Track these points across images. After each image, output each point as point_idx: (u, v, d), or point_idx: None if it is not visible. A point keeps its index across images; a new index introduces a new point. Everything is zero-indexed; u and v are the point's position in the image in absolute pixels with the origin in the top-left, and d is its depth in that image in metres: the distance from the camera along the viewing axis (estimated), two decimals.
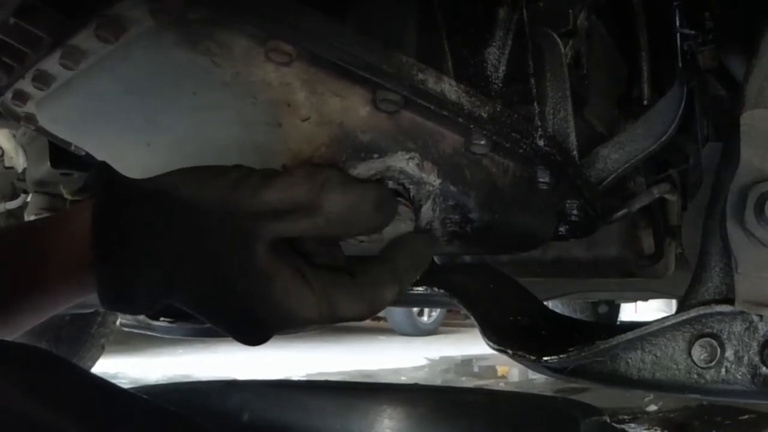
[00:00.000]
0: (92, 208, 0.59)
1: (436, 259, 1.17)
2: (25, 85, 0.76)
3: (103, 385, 0.58)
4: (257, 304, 0.59)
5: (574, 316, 2.81)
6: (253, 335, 0.62)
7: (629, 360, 0.69)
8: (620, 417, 2.30)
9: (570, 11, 0.83)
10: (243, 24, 0.63)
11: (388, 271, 0.65)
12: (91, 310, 2.04)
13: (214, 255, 0.58)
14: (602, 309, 3.52)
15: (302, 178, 0.61)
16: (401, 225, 0.67)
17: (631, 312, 6.03)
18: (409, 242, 0.68)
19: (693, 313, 0.66)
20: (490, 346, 0.77)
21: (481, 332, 0.79)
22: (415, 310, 5.60)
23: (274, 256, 0.59)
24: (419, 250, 0.68)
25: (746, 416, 2.25)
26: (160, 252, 0.57)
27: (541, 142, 0.73)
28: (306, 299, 0.60)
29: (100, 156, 0.89)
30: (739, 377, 0.65)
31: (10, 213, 1.71)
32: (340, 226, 0.61)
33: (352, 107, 0.67)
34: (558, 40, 0.80)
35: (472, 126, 0.68)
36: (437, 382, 3.41)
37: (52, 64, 0.71)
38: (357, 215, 0.61)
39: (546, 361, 0.72)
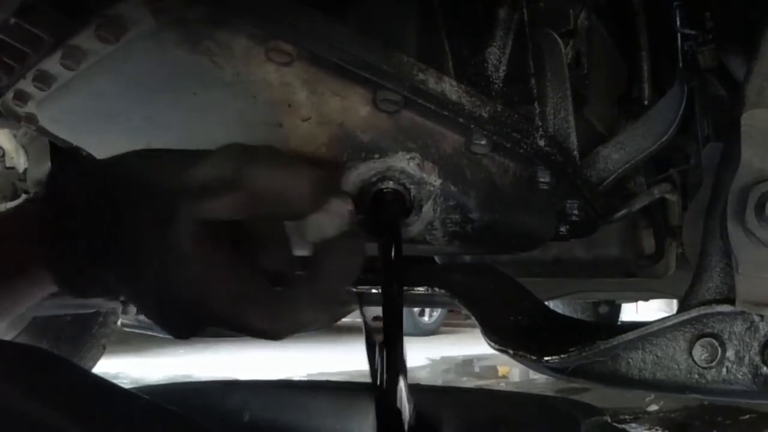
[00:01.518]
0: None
1: (436, 259, 1.18)
2: (26, 85, 0.76)
3: (104, 385, 0.58)
4: (178, 289, 0.55)
5: (574, 316, 2.81)
6: (176, 325, 0.58)
7: (630, 360, 0.69)
8: (621, 417, 2.30)
9: (570, 11, 0.83)
10: (243, 24, 0.63)
11: (310, 293, 0.59)
12: (92, 311, 2.04)
13: (142, 231, 0.54)
14: (603, 309, 3.52)
15: (229, 155, 0.58)
16: (337, 220, 0.60)
17: (631, 312, 6.02)
18: (340, 250, 0.61)
19: (694, 313, 0.66)
20: (491, 346, 0.77)
21: (481, 332, 0.79)
22: (416, 310, 5.60)
23: (198, 239, 0.54)
24: (349, 259, 0.62)
25: (747, 416, 2.25)
26: (99, 225, 0.54)
27: (541, 142, 0.73)
28: (222, 292, 0.55)
29: (100, 156, 0.89)
30: (740, 377, 0.65)
31: None
32: (266, 205, 0.56)
33: (353, 107, 0.67)
34: (558, 40, 0.80)
35: (472, 126, 0.68)
36: (438, 382, 3.41)
37: (52, 64, 0.71)
38: (286, 195, 0.57)
39: (547, 361, 0.71)
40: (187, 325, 0.57)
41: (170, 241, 0.53)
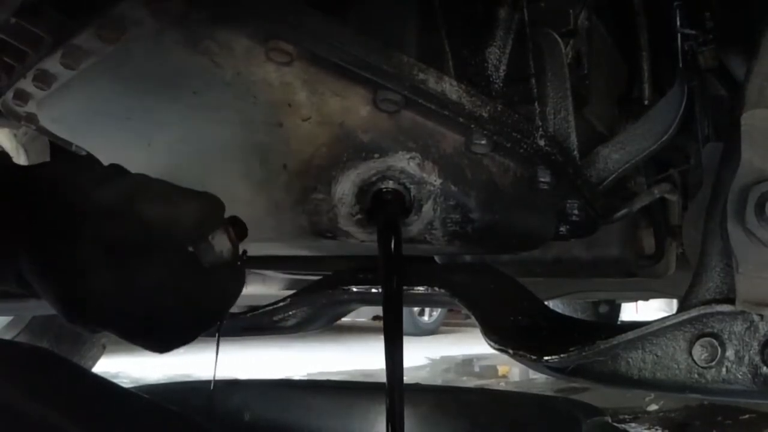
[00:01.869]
0: None
1: (436, 258, 1.18)
2: (26, 84, 0.76)
3: (104, 385, 0.58)
4: (80, 290, 0.59)
5: (574, 316, 2.81)
6: (79, 320, 0.61)
7: (630, 360, 0.69)
8: (621, 417, 2.30)
9: (570, 11, 0.83)
10: (243, 24, 0.63)
11: (189, 314, 0.63)
12: None
13: (51, 234, 0.59)
14: (603, 309, 3.52)
15: (125, 185, 0.61)
16: (219, 252, 0.63)
17: (631, 312, 6.02)
18: (220, 280, 0.65)
19: (694, 312, 0.66)
20: (491, 346, 0.77)
21: (481, 332, 0.79)
22: (416, 309, 5.60)
23: (97, 253, 0.58)
24: (228, 288, 0.66)
25: (747, 416, 2.25)
26: (13, 216, 0.59)
27: (541, 142, 0.73)
28: (113, 301, 0.59)
29: (101, 155, 0.89)
30: (739, 377, 0.65)
31: None
32: (156, 234, 0.60)
33: (353, 107, 0.68)
34: (559, 39, 0.80)
35: (472, 126, 0.68)
36: (438, 381, 3.41)
37: (53, 63, 0.71)
38: (171, 227, 0.60)
39: (547, 360, 0.71)
40: (88, 321, 0.61)
41: (76, 252, 0.58)
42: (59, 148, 1.25)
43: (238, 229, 0.64)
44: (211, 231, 0.62)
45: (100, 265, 0.58)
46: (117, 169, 0.65)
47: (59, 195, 0.60)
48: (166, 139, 0.78)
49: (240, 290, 0.67)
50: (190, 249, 0.62)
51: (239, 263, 0.65)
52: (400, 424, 0.70)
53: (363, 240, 0.75)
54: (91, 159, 0.89)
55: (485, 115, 0.68)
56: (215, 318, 0.66)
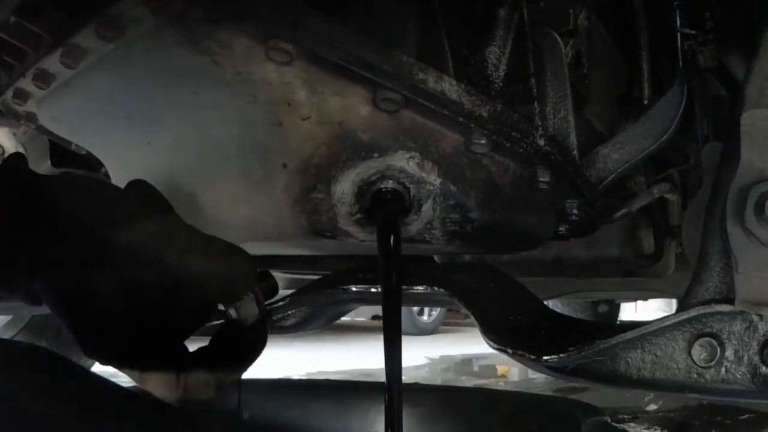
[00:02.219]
0: None
1: (436, 258, 1.18)
2: (26, 83, 0.76)
3: (103, 384, 0.58)
4: (89, 320, 0.57)
5: (574, 315, 2.81)
6: (89, 353, 0.60)
7: (629, 359, 0.69)
8: (620, 416, 2.30)
9: (570, 11, 0.83)
10: (243, 23, 0.63)
11: (201, 372, 0.62)
12: None
13: (64, 253, 0.56)
14: (602, 308, 3.52)
15: (158, 227, 0.59)
16: (245, 315, 0.62)
17: (631, 311, 6.02)
18: (243, 339, 0.64)
19: (693, 312, 0.66)
20: (490, 346, 0.77)
21: (481, 331, 0.79)
22: (415, 309, 5.60)
23: (114, 292, 0.56)
24: (253, 349, 0.65)
25: (746, 416, 2.25)
26: (20, 222, 0.56)
27: (541, 142, 0.74)
28: (121, 347, 0.58)
29: (100, 155, 0.89)
30: (738, 377, 0.65)
31: None
32: (185, 285, 0.58)
33: (353, 106, 0.68)
34: (558, 39, 0.80)
35: (472, 125, 0.68)
36: (437, 381, 3.41)
37: (52, 62, 0.71)
38: (202, 283, 0.58)
39: (546, 360, 0.72)
40: (101, 357, 0.59)
41: (94, 288, 0.55)
42: (59, 148, 1.25)
43: (267, 287, 0.63)
44: (240, 296, 0.60)
45: (115, 305, 0.56)
46: (143, 190, 0.62)
47: (83, 218, 0.57)
48: (166, 139, 0.78)
49: (260, 351, 0.65)
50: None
51: (263, 326, 0.63)
52: (399, 424, 0.70)
53: (362, 239, 0.75)
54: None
55: (485, 114, 0.68)
56: (232, 377, 0.64)
